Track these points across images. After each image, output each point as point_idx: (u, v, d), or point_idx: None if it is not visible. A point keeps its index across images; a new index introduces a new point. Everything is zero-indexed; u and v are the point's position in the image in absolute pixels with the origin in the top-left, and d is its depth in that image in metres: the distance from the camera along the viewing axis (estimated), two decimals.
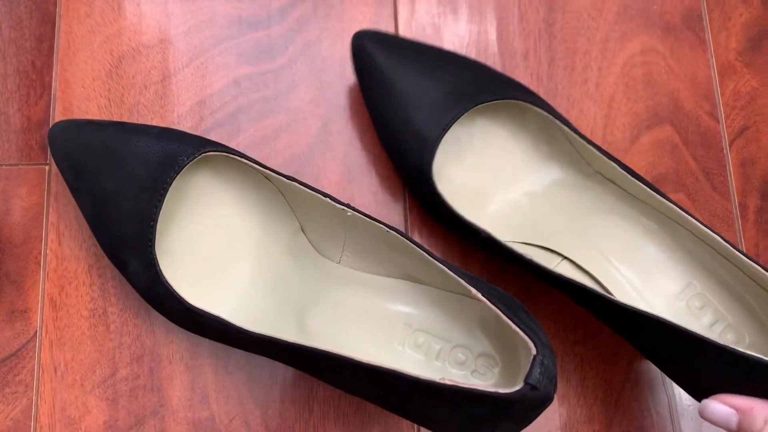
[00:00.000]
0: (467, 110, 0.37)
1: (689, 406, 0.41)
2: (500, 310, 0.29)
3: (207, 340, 0.39)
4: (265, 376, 0.39)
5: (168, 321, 0.38)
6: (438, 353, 0.34)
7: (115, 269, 0.39)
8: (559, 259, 0.39)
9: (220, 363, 0.39)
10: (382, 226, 0.33)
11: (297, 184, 0.36)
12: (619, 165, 0.38)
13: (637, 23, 0.46)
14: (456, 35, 0.45)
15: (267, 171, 0.37)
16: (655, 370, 0.41)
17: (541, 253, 0.39)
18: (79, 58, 0.43)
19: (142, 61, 0.43)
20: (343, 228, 0.36)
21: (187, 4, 0.44)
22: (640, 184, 0.37)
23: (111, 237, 0.37)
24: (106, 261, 0.40)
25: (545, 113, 0.38)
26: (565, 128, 0.38)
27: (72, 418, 0.38)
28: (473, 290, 0.30)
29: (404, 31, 0.45)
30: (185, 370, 0.39)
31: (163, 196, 0.35)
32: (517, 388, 0.26)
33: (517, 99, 0.38)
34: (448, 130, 0.37)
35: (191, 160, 0.36)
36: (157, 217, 0.35)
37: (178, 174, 0.36)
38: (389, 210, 0.42)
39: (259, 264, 0.39)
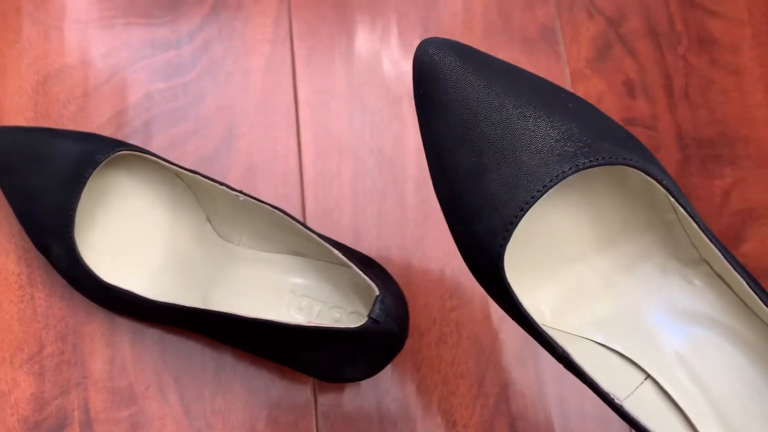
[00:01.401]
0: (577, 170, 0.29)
1: (550, 360, 0.47)
2: (358, 267, 0.35)
3: (125, 319, 0.44)
4: (178, 349, 0.44)
5: (89, 303, 0.44)
6: (318, 313, 0.40)
7: (42, 258, 0.44)
8: (642, 377, 0.33)
9: (136, 338, 0.44)
10: (267, 206, 0.40)
11: (199, 176, 0.42)
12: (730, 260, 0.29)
13: (501, 38, 0.54)
14: (346, 52, 0.52)
15: (175, 168, 0.43)
16: (521, 330, 0.47)
17: (620, 364, 0.33)
18: (9, 78, 0.48)
19: (65, 79, 0.49)
20: (239, 213, 0.43)
21: (106, 30, 0.50)
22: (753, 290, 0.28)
23: (37, 227, 0.42)
24: (34, 253, 0.45)
25: (659, 185, 0.30)
26: (678, 206, 0.30)
27: (2, 392, 0.43)
28: (339, 254, 0.36)
29: (298, 49, 0.51)
30: (105, 345, 0.44)
31: (82, 189, 0.41)
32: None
33: (636, 167, 0.30)
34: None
35: (107, 158, 0.42)
36: (76, 207, 0.41)
37: (95, 169, 0.41)
38: (288, 201, 0.48)
39: (169, 250, 0.44)
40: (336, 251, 0.36)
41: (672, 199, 0.30)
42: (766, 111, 0.55)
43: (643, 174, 0.30)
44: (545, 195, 0.29)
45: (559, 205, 0.33)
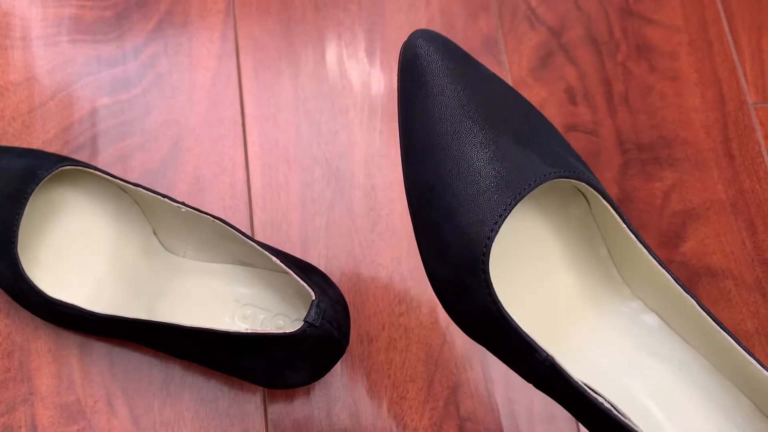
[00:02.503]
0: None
1: (497, 362, 0.48)
2: (295, 273, 0.36)
3: (72, 334, 0.44)
4: (126, 362, 0.44)
5: (35, 318, 0.44)
6: (262, 322, 0.41)
7: None
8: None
9: (84, 353, 0.44)
10: (209, 216, 0.40)
11: (141, 189, 0.42)
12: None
13: None
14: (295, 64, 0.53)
15: (120, 182, 0.43)
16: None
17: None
18: None
19: (10, 96, 0.49)
20: (183, 225, 0.43)
21: (50, 48, 0.50)
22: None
23: None
24: None
25: (610, 207, 0.32)
26: (623, 225, 0.31)
27: None
28: (277, 261, 0.37)
29: (244, 63, 0.52)
30: (52, 361, 0.44)
31: (24, 204, 0.41)
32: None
33: (591, 184, 0.31)
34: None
35: (50, 173, 0.42)
36: (19, 222, 0.41)
37: (37, 185, 0.41)
38: (236, 213, 0.48)
39: (115, 264, 0.44)
40: (274, 258, 0.36)
41: (622, 224, 0.31)
42: (703, 114, 0.57)
43: (585, 204, 0.32)
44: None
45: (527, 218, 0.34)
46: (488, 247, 0.29)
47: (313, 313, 0.33)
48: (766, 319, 0.53)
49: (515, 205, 0.29)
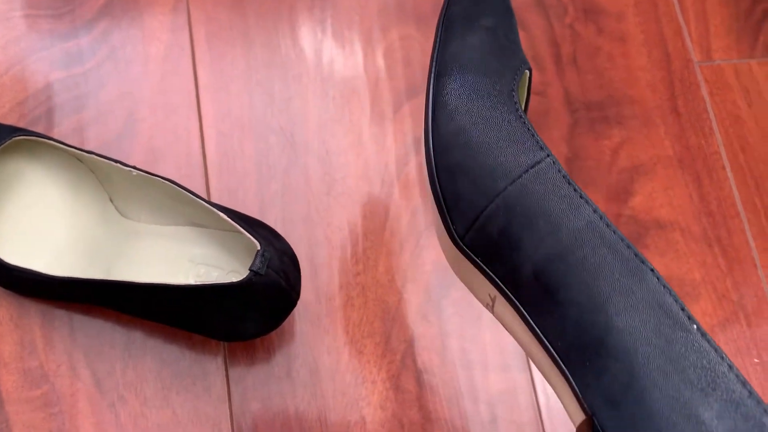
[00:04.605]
0: None
1: (452, 316, 0.49)
2: (242, 227, 0.37)
3: (33, 303, 0.45)
4: (87, 328, 0.45)
5: None
6: (215, 279, 0.42)
7: None
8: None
9: (45, 320, 0.45)
10: (159, 179, 0.41)
11: (94, 156, 0.43)
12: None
13: (396, 16, 0.56)
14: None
15: (73, 150, 0.44)
16: (425, 291, 0.50)
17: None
18: None
19: None
20: (137, 190, 0.44)
21: (3, 23, 0.51)
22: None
23: None
24: None
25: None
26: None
27: None
28: (224, 216, 0.38)
29: (196, 34, 0.53)
30: (15, 329, 0.45)
31: None
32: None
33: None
34: None
35: (4, 143, 0.43)
36: None
37: None
38: (192, 181, 0.49)
39: (72, 231, 0.45)
40: (221, 214, 0.37)
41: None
42: (650, 73, 0.58)
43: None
44: None
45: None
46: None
47: (258, 262, 0.34)
48: (712, 268, 0.54)
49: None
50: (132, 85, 0.51)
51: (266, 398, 0.46)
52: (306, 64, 0.54)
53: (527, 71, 0.38)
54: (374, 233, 0.51)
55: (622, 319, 0.26)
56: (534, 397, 0.48)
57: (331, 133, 0.52)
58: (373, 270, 0.50)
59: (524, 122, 0.32)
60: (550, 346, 0.28)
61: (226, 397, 0.45)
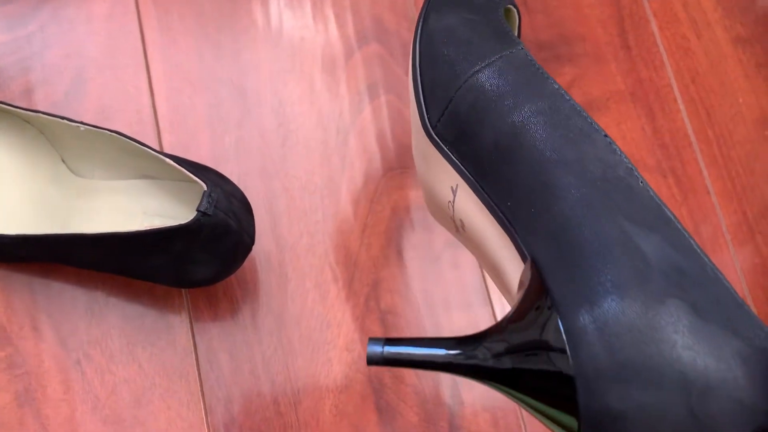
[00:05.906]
0: None
1: (414, 259, 0.50)
2: (190, 171, 0.37)
3: None
4: (48, 289, 0.45)
5: None
6: None
7: None
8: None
9: (5, 284, 0.45)
10: (107, 131, 0.41)
11: (42, 115, 0.43)
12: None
13: None
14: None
15: (20, 110, 0.43)
16: (386, 235, 0.50)
17: None
18: None
19: None
20: (87, 146, 0.44)
21: None
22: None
23: None
24: None
25: None
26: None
27: None
28: (171, 161, 0.38)
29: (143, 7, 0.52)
30: None
31: None
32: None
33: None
34: None
35: None
36: None
37: None
38: (144, 137, 0.49)
39: (24, 194, 0.45)
40: (168, 160, 0.37)
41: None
42: (599, 10, 0.58)
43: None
44: None
45: None
46: None
47: (204, 203, 0.34)
48: (667, 199, 0.55)
49: None
50: (78, 45, 0.50)
51: (232, 348, 0.46)
52: (254, 16, 0.53)
53: (515, 11, 0.42)
54: (332, 181, 0.51)
55: (570, 169, 0.27)
56: None
57: (282, 83, 0.52)
58: (332, 217, 0.50)
59: (507, 28, 0.34)
60: (500, 212, 0.29)
61: (192, 349, 0.46)
